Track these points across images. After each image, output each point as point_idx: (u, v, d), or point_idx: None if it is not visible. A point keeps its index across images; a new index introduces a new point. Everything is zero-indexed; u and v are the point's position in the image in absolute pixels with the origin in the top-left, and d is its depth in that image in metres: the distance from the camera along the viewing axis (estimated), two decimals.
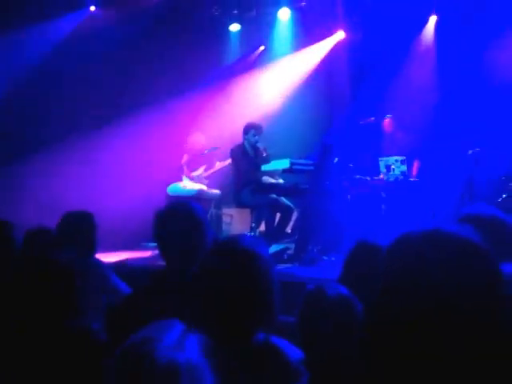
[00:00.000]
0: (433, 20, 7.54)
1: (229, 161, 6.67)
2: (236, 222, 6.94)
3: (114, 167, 7.37)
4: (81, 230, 3.18)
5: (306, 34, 7.95)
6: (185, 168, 7.06)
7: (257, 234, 6.33)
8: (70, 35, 7.41)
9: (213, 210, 6.92)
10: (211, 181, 7.09)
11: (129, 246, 6.45)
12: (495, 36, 6.65)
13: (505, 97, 6.49)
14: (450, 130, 6.73)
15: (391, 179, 6.17)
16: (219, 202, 7.11)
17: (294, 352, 1.65)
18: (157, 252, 2.66)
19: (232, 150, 6.15)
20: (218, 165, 7.04)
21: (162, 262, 2.47)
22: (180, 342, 1.03)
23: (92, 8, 7.65)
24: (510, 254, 2.19)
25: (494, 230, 2.38)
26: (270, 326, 1.62)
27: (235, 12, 8.17)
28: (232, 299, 1.59)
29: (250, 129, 6.06)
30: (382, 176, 6.23)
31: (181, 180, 7.00)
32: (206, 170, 7.10)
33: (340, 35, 8.04)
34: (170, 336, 1.03)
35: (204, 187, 6.91)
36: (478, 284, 0.88)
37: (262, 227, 6.32)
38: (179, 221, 2.40)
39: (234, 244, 1.68)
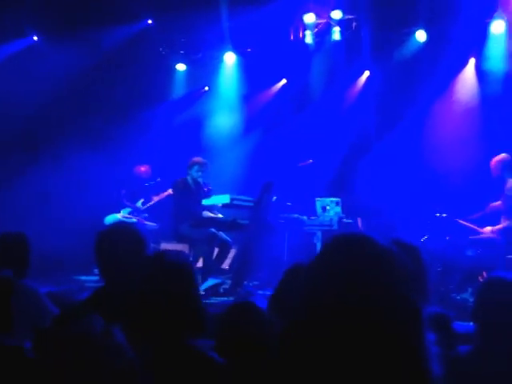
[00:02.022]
0: (366, 74, 8.14)
1: (166, 193, 6.75)
2: None
3: (48, 199, 7.22)
4: (15, 250, 3.13)
5: (251, 78, 8.27)
6: (125, 200, 7.08)
7: (195, 268, 6.33)
8: (6, 62, 7.33)
9: (150, 244, 6.87)
10: (149, 214, 7.10)
11: (60, 278, 6.24)
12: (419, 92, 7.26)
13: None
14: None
15: (326, 219, 6.41)
16: (157, 236, 7.07)
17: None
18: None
19: (174, 183, 6.22)
20: (156, 198, 7.08)
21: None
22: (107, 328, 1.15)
23: (35, 38, 7.63)
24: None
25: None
26: (200, 332, 1.79)
27: (182, 52, 8.41)
28: (162, 305, 1.75)
29: (195, 164, 6.17)
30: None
31: (119, 212, 6.98)
32: (143, 204, 7.14)
33: (283, 82, 8.47)
34: (98, 324, 1.14)
35: (142, 220, 6.91)
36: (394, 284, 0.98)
37: (201, 263, 6.33)
38: (121, 239, 2.44)
39: (162, 257, 1.89)
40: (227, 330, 1.99)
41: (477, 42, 7.10)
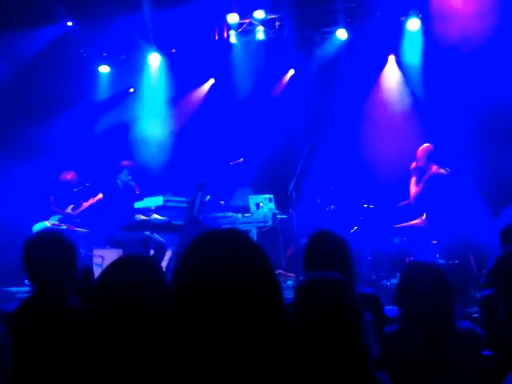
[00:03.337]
0: (291, 72, 8.30)
1: (97, 198, 6.62)
2: (107, 263, 6.72)
3: None
4: None
5: (178, 78, 8.20)
6: (54, 207, 6.86)
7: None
8: None
9: (82, 251, 6.67)
10: (80, 220, 6.91)
11: None
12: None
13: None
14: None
15: (260, 216, 6.48)
16: (89, 242, 6.88)
17: None
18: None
19: (104, 188, 6.10)
20: (87, 204, 6.92)
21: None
22: None
23: None
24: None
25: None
26: None
27: (104, 54, 8.21)
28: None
29: (124, 168, 6.08)
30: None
31: (47, 219, 6.74)
32: (73, 210, 6.95)
33: (211, 82, 8.48)
34: None
35: (72, 226, 6.71)
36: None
37: None
38: (48, 246, 2.38)
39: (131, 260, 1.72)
40: None
41: (394, 39, 7.44)
